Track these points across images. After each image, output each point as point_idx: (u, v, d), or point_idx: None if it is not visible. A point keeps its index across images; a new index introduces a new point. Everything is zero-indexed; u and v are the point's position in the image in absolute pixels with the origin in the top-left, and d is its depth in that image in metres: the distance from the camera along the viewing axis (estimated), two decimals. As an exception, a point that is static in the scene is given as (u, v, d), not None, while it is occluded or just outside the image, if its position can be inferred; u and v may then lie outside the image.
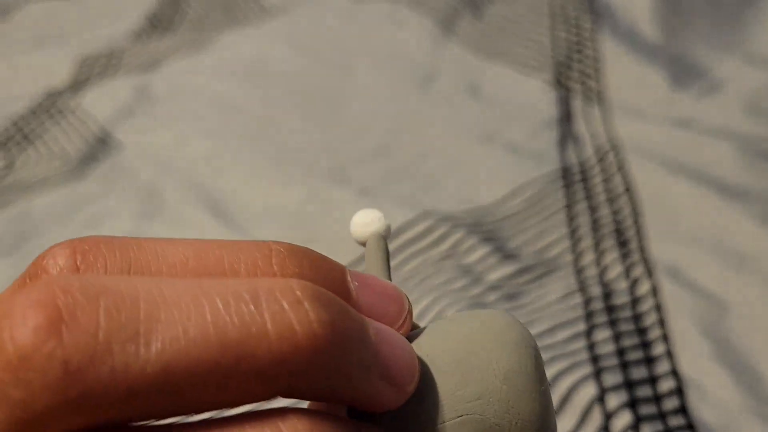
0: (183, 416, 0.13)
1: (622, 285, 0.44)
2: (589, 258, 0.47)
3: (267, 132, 0.62)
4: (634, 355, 0.39)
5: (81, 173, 0.58)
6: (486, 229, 0.50)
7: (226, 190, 0.55)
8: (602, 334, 0.40)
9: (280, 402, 0.14)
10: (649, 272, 0.45)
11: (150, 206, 0.54)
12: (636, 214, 0.50)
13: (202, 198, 0.54)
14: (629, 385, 0.36)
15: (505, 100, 0.64)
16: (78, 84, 0.70)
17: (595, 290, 0.43)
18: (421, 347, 0.17)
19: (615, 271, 0.45)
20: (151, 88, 0.68)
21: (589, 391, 0.36)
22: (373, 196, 0.53)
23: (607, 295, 0.43)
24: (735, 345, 0.40)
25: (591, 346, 0.39)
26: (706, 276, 0.44)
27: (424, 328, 0.18)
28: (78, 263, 0.15)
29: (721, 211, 0.48)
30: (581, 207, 0.51)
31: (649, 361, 0.39)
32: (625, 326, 0.41)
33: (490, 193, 0.54)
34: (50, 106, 0.67)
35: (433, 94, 0.65)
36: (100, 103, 0.66)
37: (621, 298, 0.43)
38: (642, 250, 0.47)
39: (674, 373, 0.38)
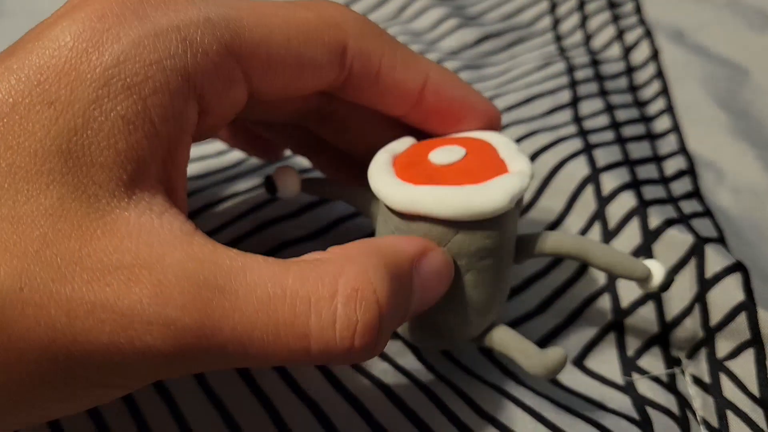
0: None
1: (615, 51, 0.35)
2: (572, 22, 0.37)
3: None
4: (633, 131, 0.30)
5: None
6: (441, -12, 0.39)
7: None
8: (592, 106, 0.31)
9: None
10: (649, 36, 0.35)
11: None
12: (631, -31, 0.39)
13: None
14: (629, 164, 0.28)
15: None
16: None
17: (581, 58, 0.34)
18: None
19: (605, 35, 0.36)
20: None
21: (579, 170, 0.27)
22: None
23: (595, 62, 0.33)
24: (758, 117, 0.31)
25: (579, 119, 0.30)
26: (719, 39, 0.35)
27: None
28: None
29: (738, -38, 0.38)
30: (561, -36, 0.40)
31: (652, 137, 0.30)
32: (621, 98, 0.32)
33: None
34: None
35: None
36: None
37: (614, 67, 0.34)
38: (639, 11, 0.37)
39: (683, 151, 0.29)
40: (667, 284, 0.20)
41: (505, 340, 0.20)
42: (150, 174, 0.15)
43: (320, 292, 0.15)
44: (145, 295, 0.14)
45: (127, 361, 0.14)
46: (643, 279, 0.19)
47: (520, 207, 0.21)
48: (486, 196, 0.18)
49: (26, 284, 0.13)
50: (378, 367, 0.22)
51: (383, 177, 0.19)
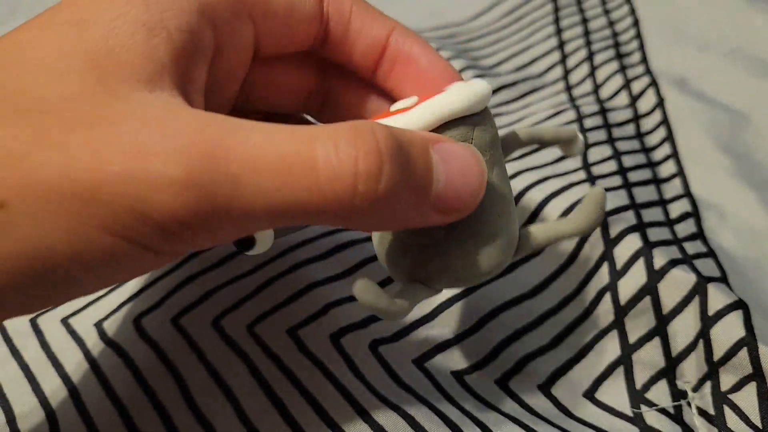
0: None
1: (623, 100, 0.37)
2: (582, 73, 0.39)
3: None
4: (640, 176, 0.32)
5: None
6: (458, 43, 0.41)
7: None
8: (601, 153, 0.33)
9: None
10: (654, 85, 0.37)
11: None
12: (637, 21, 0.41)
13: None
14: (635, 207, 0.30)
15: None
16: None
17: (591, 107, 0.36)
18: None
19: (613, 85, 0.38)
20: None
21: (588, 214, 0.29)
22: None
23: (604, 110, 0.35)
24: (758, 161, 0.33)
25: (588, 166, 0.32)
26: (721, 86, 0.37)
27: None
28: None
29: (739, 13, 0.40)
30: (573, 19, 0.42)
31: (658, 182, 0.32)
32: (627, 145, 0.34)
33: (464, 8, 0.45)
34: None
35: None
36: None
37: (621, 114, 0.36)
38: (645, 61, 0.39)
39: (688, 195, 0.31)
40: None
41: (544, 226, 0.21)
42: (168, 77, 0.17)
43: (321, 132, 0.16)
44: (156, 132, 0.15)
45: (142, 194, 0.14)
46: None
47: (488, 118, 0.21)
48: (466, 87, 0.19)
49: (41, 136, 0.15)
50: (400, 398, 0.24)
51: None
